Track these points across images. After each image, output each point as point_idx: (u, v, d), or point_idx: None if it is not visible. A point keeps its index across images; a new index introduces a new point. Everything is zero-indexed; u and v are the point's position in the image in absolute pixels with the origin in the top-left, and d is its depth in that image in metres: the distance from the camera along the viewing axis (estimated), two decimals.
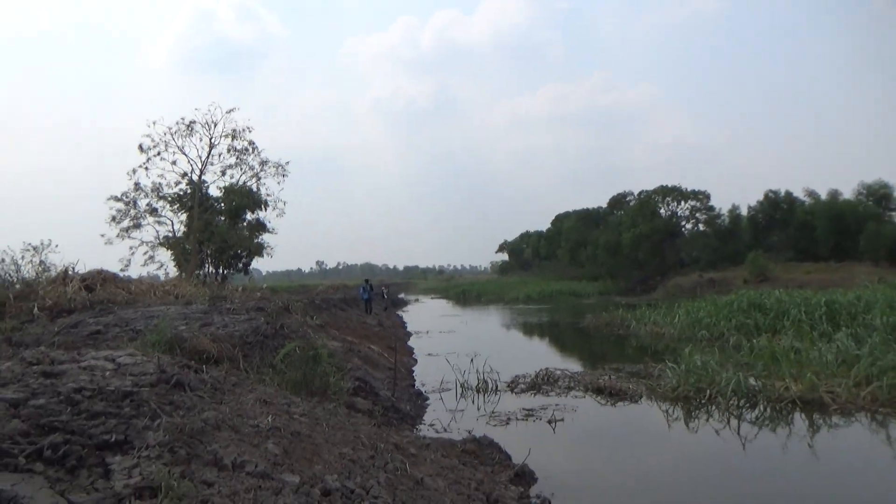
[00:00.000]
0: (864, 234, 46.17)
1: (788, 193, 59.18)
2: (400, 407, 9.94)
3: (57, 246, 21.18)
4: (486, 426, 9.52)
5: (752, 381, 11.12)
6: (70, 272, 19.13)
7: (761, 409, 10.39)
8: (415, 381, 13.45)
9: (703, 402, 10.80)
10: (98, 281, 18.61)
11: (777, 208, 58.58)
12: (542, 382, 12.49)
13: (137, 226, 38.06)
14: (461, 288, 77.70)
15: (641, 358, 16.93)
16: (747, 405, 10.52)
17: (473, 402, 11.53)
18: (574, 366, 15.72)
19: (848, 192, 55.84)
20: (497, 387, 12.34)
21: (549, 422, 9.58)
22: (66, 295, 16.16)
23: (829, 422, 9.68)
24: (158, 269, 39.36)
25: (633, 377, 12.98)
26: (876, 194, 53.03)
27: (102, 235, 37.22)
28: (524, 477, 6.85)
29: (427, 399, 11.61)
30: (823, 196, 57.26)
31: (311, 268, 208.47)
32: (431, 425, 9.51)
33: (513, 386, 12.48)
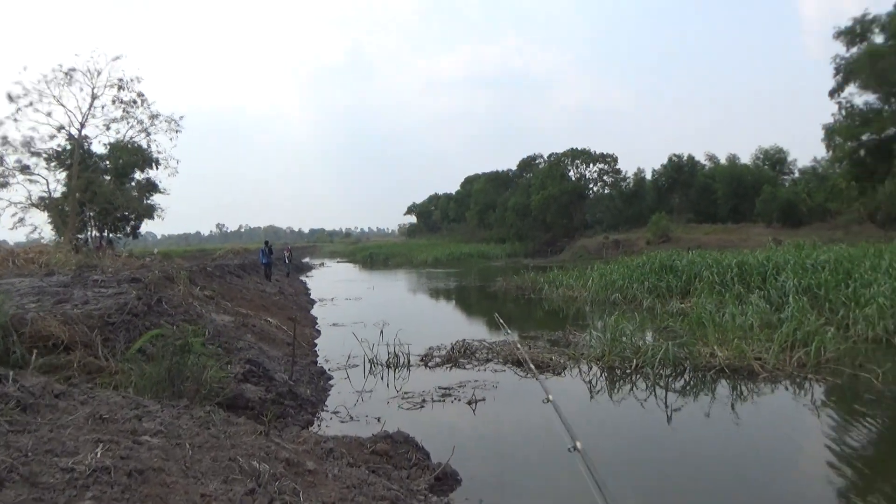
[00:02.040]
0: (760, 196, 48.15)
1: (691, 157, 61.22)
2: (298, 392, 8.63)
3: None
4: (398, 411, 8.41)
5: (677, 348, 10.55)
6: None
7: (688, 378, 9.85)
8: (317, 356, 12.13)
9: (628, 371, 10.17)
10: None
11: (680, 171, 60.39)
12: (458, 355, 11.48)
13: (4, 185, 33.94)
14: (368, 251, 75.98)
15: (556, 323, 16.37)
16: (674, 374, 9.97)
17: (383, 378, 10.41)
18: (488, 334, 14.89)
19: (746, 157, 58.39)
20: (409, 361, 11.25)
21: (469, 402, 8.57)
22: None
23: (756, 389, 9.23)
24: (31, 233, 35.59)
25: (554, 346, 12.22)
26: (772, 159, 55.69)
27: None
28: (446, 480, 5.78)
29: (331, 378, 10.34)
30: (723, 160, 59.55)
31: (212, 231, 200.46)
32: (336, 412, 8.30)
33: (427, 359, 11.41)
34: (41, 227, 35.86)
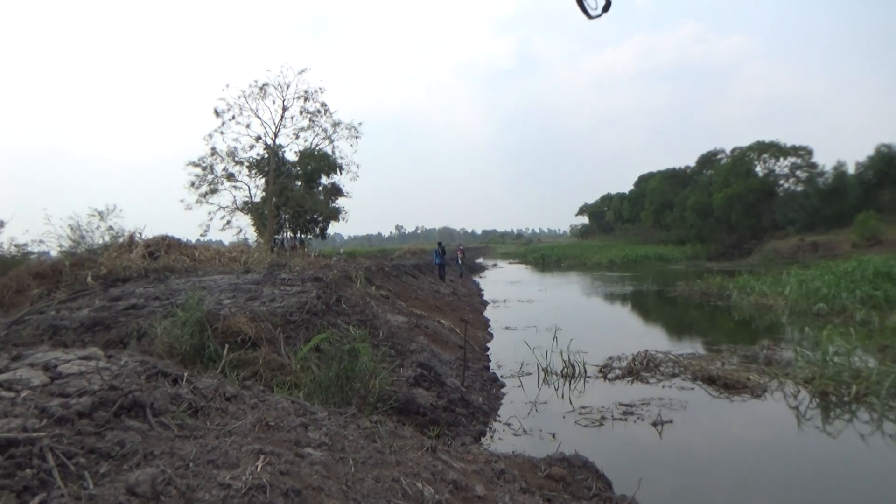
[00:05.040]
0: None
1: None
2: (470, 399, 8.27)
3: (122, 210, 20.63)
4: (574, 427, 7.73)
5: None
6: (137, 238, 18.50)
7: None
8: (489, 361, 11.75)
9: (846, 399, 8.59)
10: (162, 247, 17.84)
11: (890, 164, 52.66)
12: (640, 368, 10.48)
13: (215, 191, 37.84)
14: (540, 252, 75.04)
15: (748, 336, 14.75)
16: None
17: (557, 389, 9.74)
18: (671, 344, 13.66)
19: None
20: (585, 371, 10.48)
21: (654, 424, 7.66)
22: (130, 262, 15.39)
23: None
24: (237, 234, 39.28)
25: (751, 363, 10.81)
26: None
27: (182, 201, 37.26)
28: None
29: (503, 386, 9.88)
30: None
31: (391, 232, 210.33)
32: (508, 424, 7.81)
33: (605, 371, 10.55)
34: (245, 228, 39.47)
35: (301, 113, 38.64)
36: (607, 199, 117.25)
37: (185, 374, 4.03)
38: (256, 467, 3.09)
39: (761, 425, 8.05)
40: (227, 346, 7.51)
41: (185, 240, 19.66)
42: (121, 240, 18.52)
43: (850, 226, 46.95)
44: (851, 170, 57.51)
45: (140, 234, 18.54)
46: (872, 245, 40.56)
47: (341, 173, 42.68)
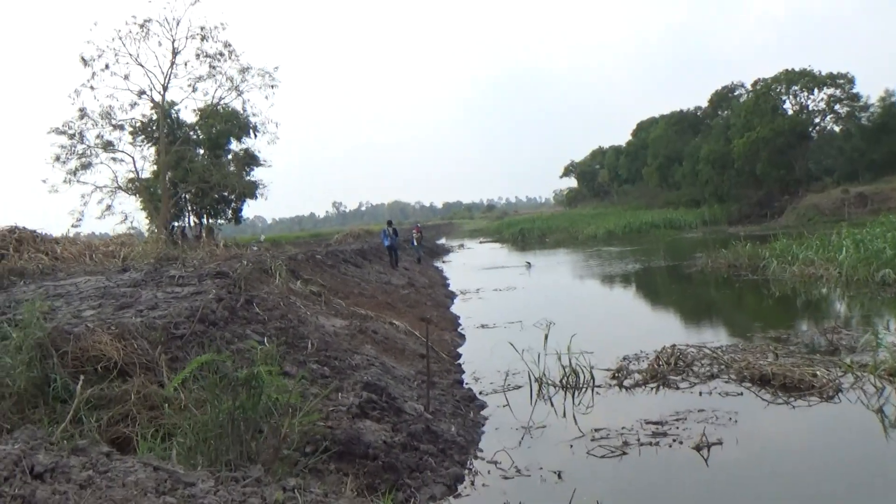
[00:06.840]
0: None
1: None
2: (438, 430, 7.49)
3: None
4: (587, 460, 7.02)
5: None
6: None
7: None
8: (462, 373, 11.03)
9: None
10: (10, 243, 16.78)
11: None
12: (666, 369, 9.87)
13: (88, 165, 36.03)
14: (518, 226, 75.06)
15: (798, 316, 14.43)
16: None
17: (555, 407, 9.04)
18: (699, 334, 13.26)
19: None
20: (593, 378, 9.80)
21: (698, 448, 6.99)
22: None
23: None
24: (123, 221, 37.43)
25: (811, 353, 10.31)
26: None
27: (45, 181, 35.42)
28: None
29: (484, 406, 9.16)
30: None
31: (328, 211, 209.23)
32: (494, 462, 7.04)
33: (620, 376, 9.91)
34: (133, 214, 37.81)
35: (198, 57, 37.19)
36: (599, 155, 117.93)
37: None
38: None
39: (844, 439, 7.48)
40: (82, 377, 6.57)
41: (42, 232, 18.56)
42: None
43: None
44: None
45: None
46: None
47: (256, 135, 41.25)
